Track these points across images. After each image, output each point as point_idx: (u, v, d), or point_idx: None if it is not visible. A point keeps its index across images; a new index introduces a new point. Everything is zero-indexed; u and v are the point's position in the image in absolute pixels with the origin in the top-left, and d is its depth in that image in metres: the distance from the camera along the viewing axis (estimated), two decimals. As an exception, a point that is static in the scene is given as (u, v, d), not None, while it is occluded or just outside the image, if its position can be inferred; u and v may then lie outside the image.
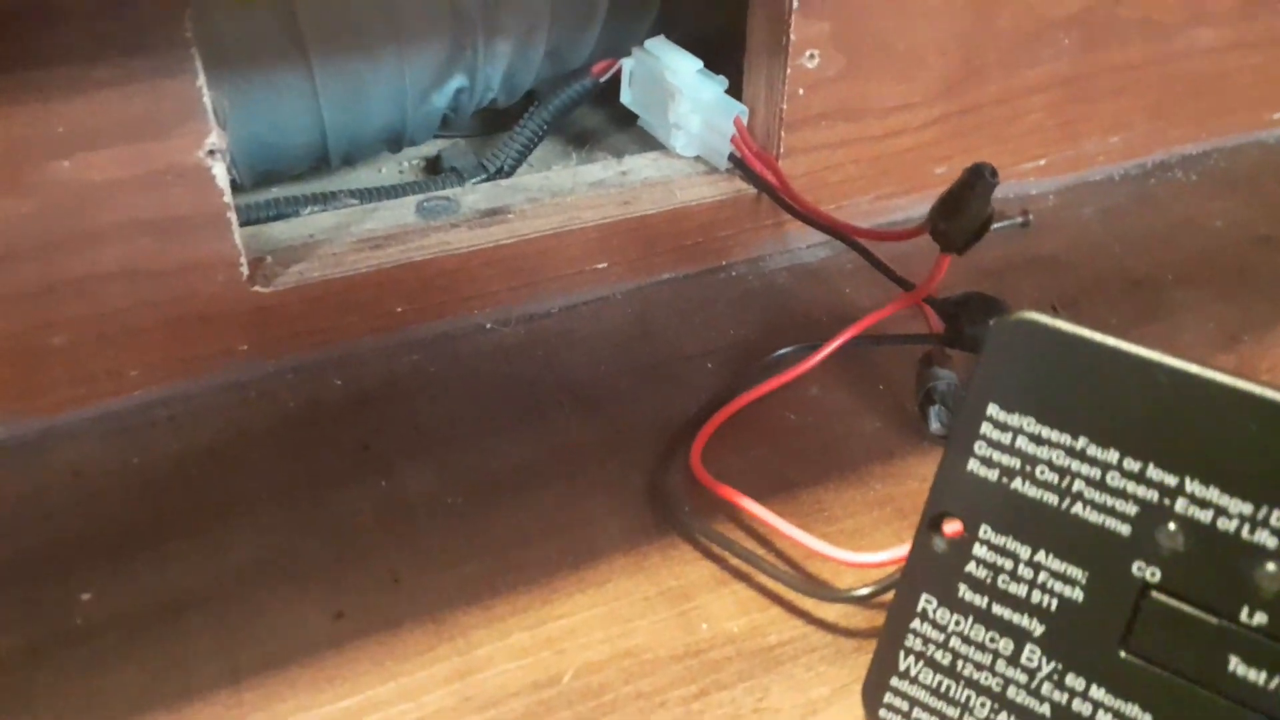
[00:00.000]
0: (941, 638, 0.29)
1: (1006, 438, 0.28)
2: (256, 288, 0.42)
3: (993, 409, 0.28)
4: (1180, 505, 0.26)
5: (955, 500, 0.29)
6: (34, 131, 0.36)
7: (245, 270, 0.41)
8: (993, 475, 0.28)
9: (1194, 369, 0.25)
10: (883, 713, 0.30)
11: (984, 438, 0.28)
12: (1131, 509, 0.26)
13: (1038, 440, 0.27)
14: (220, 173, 0.39)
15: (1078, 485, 0.27)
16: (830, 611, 0.35)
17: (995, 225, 0.41)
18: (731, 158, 0.49)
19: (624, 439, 0.41)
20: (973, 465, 0.28)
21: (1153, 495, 0.26)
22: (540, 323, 0.47)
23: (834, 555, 0.34)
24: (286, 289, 0.42)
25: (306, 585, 0.35)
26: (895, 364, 0.44)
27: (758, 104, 0.50)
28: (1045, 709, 0.28)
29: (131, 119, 0.37)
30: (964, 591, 0.29)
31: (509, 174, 0.53)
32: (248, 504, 0.38)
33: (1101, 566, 0.27)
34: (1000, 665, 0.28)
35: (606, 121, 0.60)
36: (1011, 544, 0.28)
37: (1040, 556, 0.28)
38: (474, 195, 0.48)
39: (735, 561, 0.36)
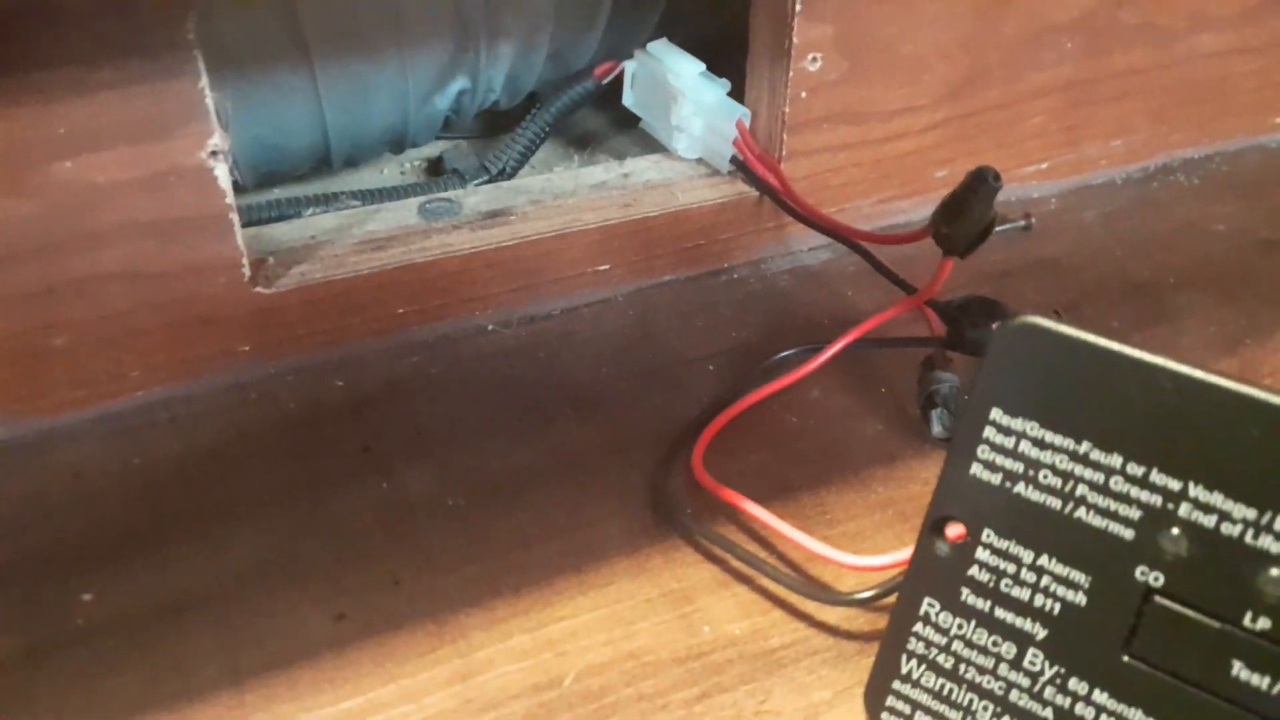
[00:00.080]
0: (944, 641, 0.29)
1: (1009, 442, 0.27)
2: (258, 289, 0.42)
3: (996, 413, 0.28)
4: (1184, 510, 0.25)
5: (958, 504, 0.28)
6: (36, 132, 0.36)
7: (247, 271, 0.41)
8: (996, 479, 0.28)
9: (1197, 374, 0.25)
10: (885, 716, 0.30)
11: (987, 442, 0.28)
12: (1135, 514, 0.26)
13: (1041, 444, 0.27)
14: (222, 174, 0.39)
15: (1081, 490, 0.27)
16: (832, 614, 0.35)
17: (997, 228, 0.41)
18: (733, 160, 0.49)
19: (625, 441, 0.41)
20: (976, 469, 0.28)
21: (1156, 500, 0.26)
22: (541, 325, 0.47)
23: (836, 558, 0.34)
24: (288, 290, 0.42)
25: (307, 587, 0.35)
26: (897, 367, 0.44)
27: (760, 107, 0.50)
28: (1048, 713, 0.28)
29: (134, 120, 0.37)
30: (967, 595, 0.29)
31: (511, 176, 0.53)
32: (249, 505, 0.38)
33: (1104, 571, 0.27)
34: (1003, 669, 0.28)
35: (608, 124, 0.60)
36: (1014, 548, 0.28)
37: (1043, 561, 0.27)
38: (476, 197, 0.48)
39: (737, 564, 0.36)
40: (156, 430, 0.41)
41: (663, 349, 0.46)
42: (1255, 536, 0.25)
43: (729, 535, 0.37)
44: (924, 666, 0.30)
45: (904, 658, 0.30)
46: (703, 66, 0.49)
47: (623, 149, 0.57)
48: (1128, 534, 0.26)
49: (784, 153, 0.49)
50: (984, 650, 0.29)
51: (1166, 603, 0.26)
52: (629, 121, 0.55)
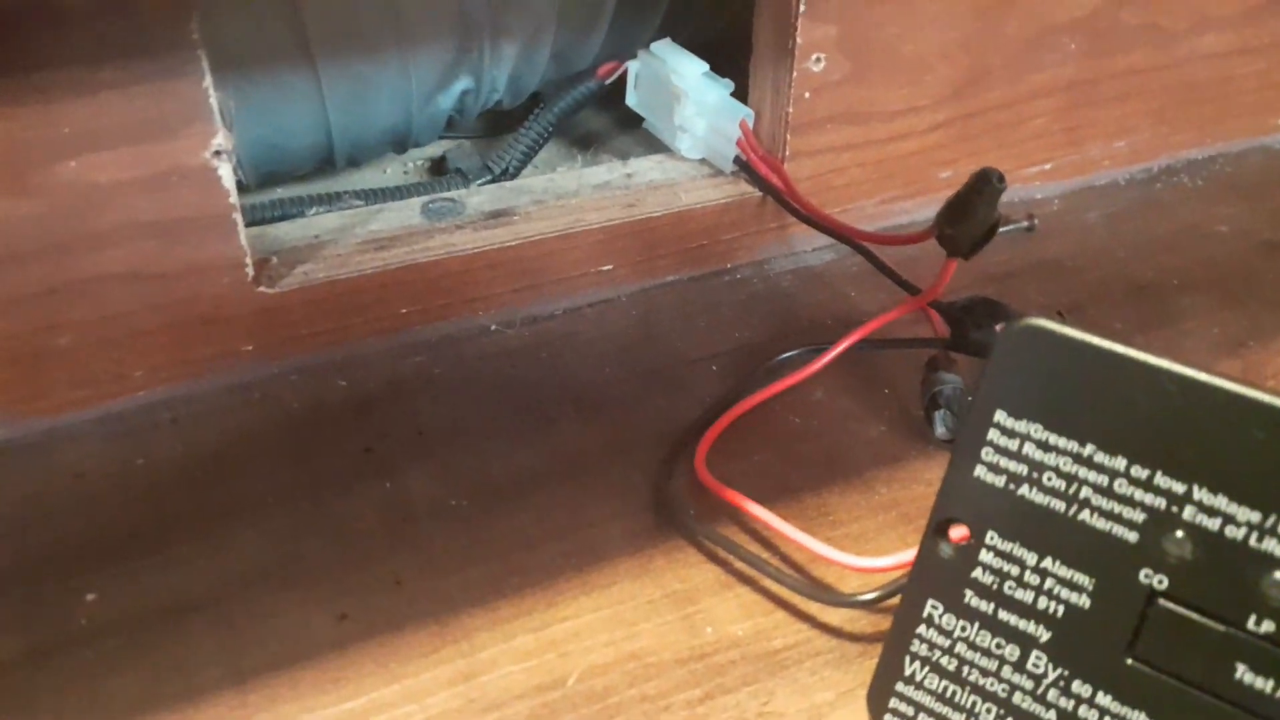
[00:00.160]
0: (947, 643, 0.29)
1: (1014, 444, 0.27)
2: (261, 289, 0.42)
3: (1000, 415, 0.28)
4: (1188, 513, 0.25)
5: (962, 506, 0.28)
6: (39, 133, 0.36)
7: (250, 271, 0.41)
8: (1000, 481, 0.28)
9: (1202, 376, 0.25)
10: (888, 718, 0.30)
11: (991, 444, 0.28)
12: (1139, 516, 0.26)
13: (1045, 447, 0.27)
14: (226, 174, 0.39)
15: (1085, 492, 0.27)
16: (835, 616, 0.35)
17: (1000, 229, 0.41)
18: (737, 161, 0.49)
19: (628, 442, 0.41)
20: (980, 471, 0.28)
21: (1160, 503, 0.26)
22: (544, 325, 0.47)
23: (839, 560, 0.34)
24: (291, 290, 0.42)
25: (310, 587, 0.35)
26: (900, 368, 0.44)
27: (763, 107, 0.50)
28: (1051, 715, 0.28)
29: (137, 120, 0.37)
30: (970, 597, 0.29)
31: (514, 175, 0.53)
32: (251, 506, 0.38)
33: (1108, 573, 0.27)
34: (1006, 671, 0.28)
35: (611, 124, 0.60)
36: (1018, 550, 0.28)
37: (1047, 563, 0.27)
38: (479, 197, 0.48)
39: (740, 565, 0.36)
40: (159, 431, 0.41)
41: (666, 349, 0.46)
42: (1259, 539, 0.25)
43: (732, 536, 0.37)
44: (927, 668, 0.30)
45: (907, 659, 0.30)
46: (706, 67, 0.49)
47: (626, 149, 0.57)
48: (1132, 537, 0.26)
49: (787, 153, 0.49)
50: (987, 652, 0.29)
51: (1170, 605, 0.26)
52: (632, 122, 0.55)
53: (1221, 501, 0.25)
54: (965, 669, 0.29)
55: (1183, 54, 0.57)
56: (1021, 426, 0.27)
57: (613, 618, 0.35)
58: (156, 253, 0.39)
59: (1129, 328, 0.48)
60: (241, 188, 0.42)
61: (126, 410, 0.41)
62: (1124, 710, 0.27)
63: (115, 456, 0.40)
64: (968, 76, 0.52)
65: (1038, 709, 0.28)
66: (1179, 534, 0.26)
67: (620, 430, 0.42)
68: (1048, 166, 0.57)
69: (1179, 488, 0.26)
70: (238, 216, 0.40)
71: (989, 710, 0.29)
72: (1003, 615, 0.28)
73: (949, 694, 0.29)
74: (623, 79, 0.52)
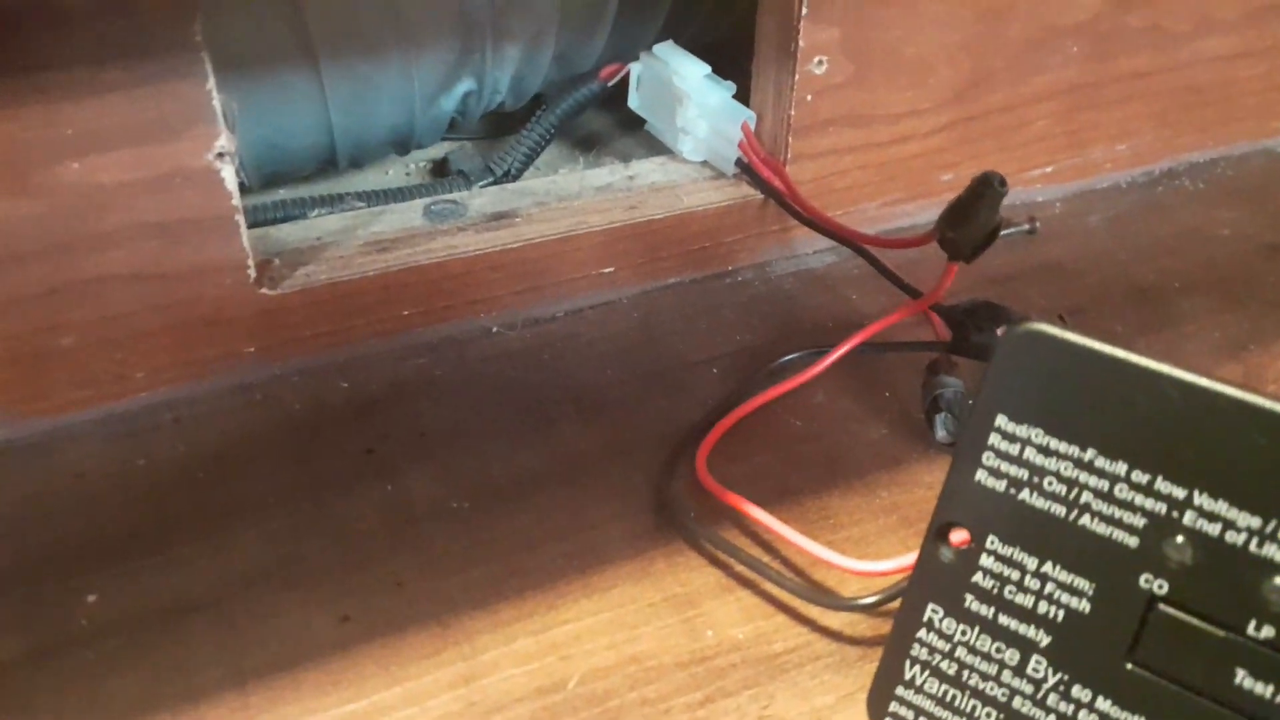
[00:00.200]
0: (947, 647, 0.29)
1: (1014, 449, 0.27)
2: (263, 290, 0.42)
3: (1001, 420, 0.28)
4: (1188, 518, 0.25)
5: (962, 510, 0.28)
6: (42, 134, 0.36)
7: (252, 273, 0.41)
8: (1000, 486, 0.28)
9: (1203, 381, 0.25)
10: (888, 722, 0.30)
11: (992, 448, 0.28)
12: (1139, 521, 0.26)
13: (1046, 451, 0.27)
14: (229, 175, 0.39)
15: (1085, 497, 0.27)
16: (835, 619, 0.35)
17: (1002, 232, 0.41)
18: (738, 163, 0.49)
19: (629, 444, 0.41)
20: (980, 476, 0.28)
21: (1161, 508, 0.26)
22: (546, 327, 0.47)
23: (839, 563, 0.34)
24: (293, 291, 0.42)
25: (311, 589, 0.35)
26: (901, 371, 0.44)
27: (765, 109, 0.50)
28: (1051, 720, 0.28)
29: (140, 122, 0.37)
30: (970, 602, 0.29)
31: (516, 177, 0.53)
32: (253, 507, 0.38)
33: (1109, 578, 0.27)
34: (1006, 676, 0.28)
35: (613, 126, 0.60)
36: (1019, 555, 0.28)
37: (1047, 568, 0.27)
38: (481, 199, 0.48)
39: (740, 568, 0.36)
40: (160, 431, 0.41)
41: (667, 352, 0.46)
42: (1260, 545, 0.25)
43: (732, 539, 0.37)
44: (927, 672, 0.30)
45: (907, 663, 0.30)
46: (708, 69, 0.49)
47: (628, 151, 0.57)
48: (1132, 541, 0.26)
49: (789, 155, 0.49)
50: (987, 657, 0.29)
51: (1170, 610, 0.26)
52: (634, 124, 0.55)
53: (1222, 507, 0.25)
54: (965, 673, 0.29)
55: (1185, 57, 0.57)
56: (1022, 431, 0.27)
57: (613, 620, 0.35)
58: (158, 254, 0.39)
59: (1130, 330, 0.48)
60: (244, 189, 0.42)
61: (128, 411, 0.41)
62: (1124, 715, 0.27)
63: (116, 457, 0.40)
64: (970, 79, 0.52)
65: (1038, 713, 0.28)
66: (1179, 539, 0.26)
67: (621, 432, 0.42)
68: (1049, 169, 0.57)
69: (1180, 493, 0.26)
70: (240, 218, 0.40)
71: (989, 714, 0.29)
72: (1003, 620, 0.28)
73: (949, 698, 0.29)
74: (625, 81, 0.52)
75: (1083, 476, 0.27)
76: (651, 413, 0.43)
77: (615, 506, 0.38)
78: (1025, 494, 0.28)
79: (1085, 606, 0.27)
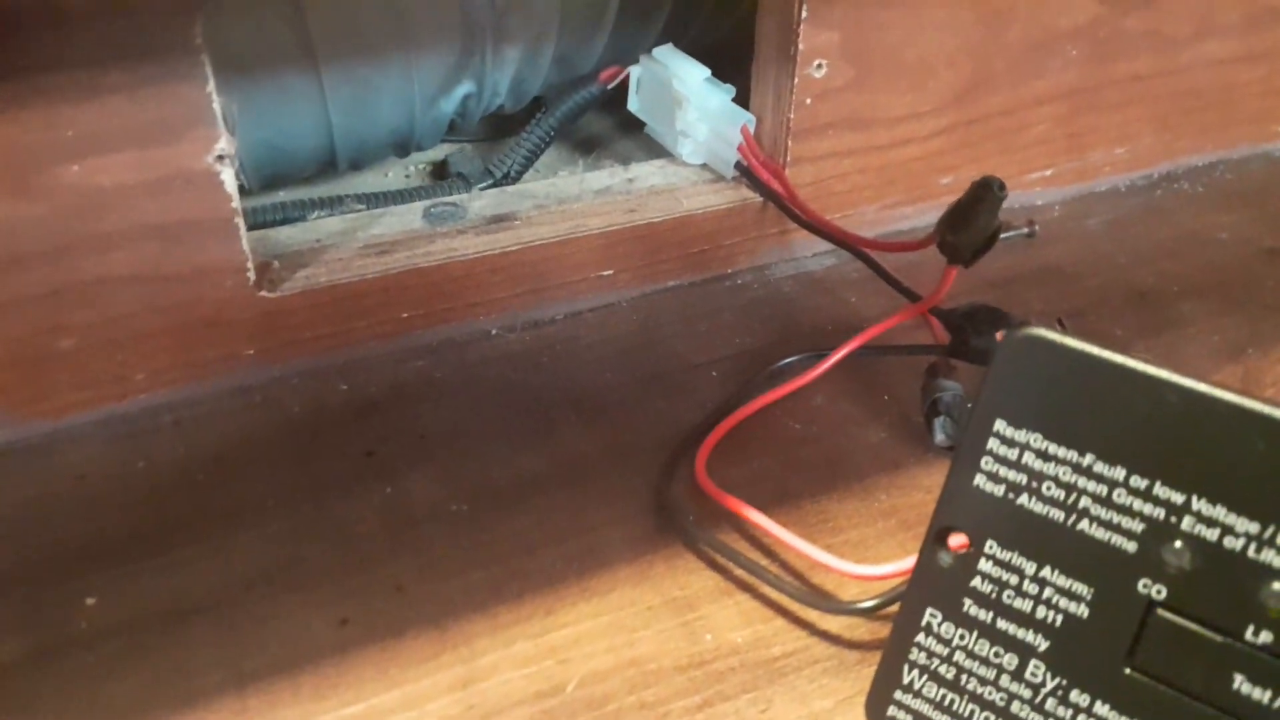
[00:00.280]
0: (946, 652, 0.29)
1: (1013, 453, 0.28)
2: (263, 292, 0.42)
3: (1000, 425, 0.28)
4: (1187, 523, 0.26)
5: (961, 515, 0.29)
6: (42, 136, 0.36)
7: (252, 275, 0.41)
8: (999, 491, 0.28)
9: (1202, 387, 0.25)
10: (886, 726, 0.30)
11: (991, 453, 0.28)
12: (1138, 526, 0.26)
13: (1044, 456, 0.27)
14: (229, 178, 0.39)
15: (1084, 502, 0.27)
16: (834, 623, 0.35)
17: (1001, 235, 0.41)
18: (738, 166, 0.49)
19: (628, 447, 0.41)
20: (979, 480, 0.28)
21: (1159, 513, 0.26)
22: (546, 329, 0.47)
23: (838, 567, 0.34)
24: (293, 294, 0.42)
25: (311, 591, 0.35)
26: (900, 375, 0.44)
27: (765, 112, 0.50)
28: (1049, 725, 0.28)
29: (141, 124, 0.37)
30: (969, 606, 0.29)
31: (515, 179, 0.53)
32: (253, 510, 0.38)
33: (1107, 583, 0.27)
34: (1004, 680, 0.28)
35: (613, 128, 0.60)
36: (1017, 559, 0.28)
37: (1046, 572, 0.28)
38: (481, 201, 0.48)
39: (739, 572, 0.36)
40: (160, 433, 0.41)
41: (666, 354, 0.46)
42: (1258, 550, 0.25)
43: (731, 542, 0.37)
44: (926, 677, 0.30)
45: (906, 668, 0.30)
46: (708, 72, 0.49)
47: (627, 154, 0.57)
48: (1130, 546, 0.26)
49: (788, 158, 0.49)
50: (986, 661, 0.29)
51: (1169, 615, 0.26)
52: (634, 126, 0.55)
53: (1220, 512, 0.25)
54: (964, 677, 0.29)
55: (1185, 61, 0.57)
56: (1021, 436, 0.27)
57: (612, 624, 0.35)
58: (159, 256, 0.39)
59: (1129, 334, 0.48)
60: (244, 191, 0.42)
61: (128, 413, 0.41)
62: (1122, 720, 0.27)
63: (117, 459, 0.40)
64: (970, 82, 0.52)
65: (1036, 718, 0.28)
66: (1178, 544, 0.26)
67: (621, 435, 0.42)
68: (1049, 173, 0.57)
69: (1178, 498, 0.26)
70: (240, 220, 0.40)
71: (987, 719, 0.29)
72: (1001, 624, 0.28)
73: (947, 702, 0.29)
74: (625, 84, 0.52)
75: (1081, 481, 0.27)
76: (651, 415, 0.43)
77: (614, 509, 0.39)
78: (1024, 498, 0.28)
79: (1084, 611, 0.27)
